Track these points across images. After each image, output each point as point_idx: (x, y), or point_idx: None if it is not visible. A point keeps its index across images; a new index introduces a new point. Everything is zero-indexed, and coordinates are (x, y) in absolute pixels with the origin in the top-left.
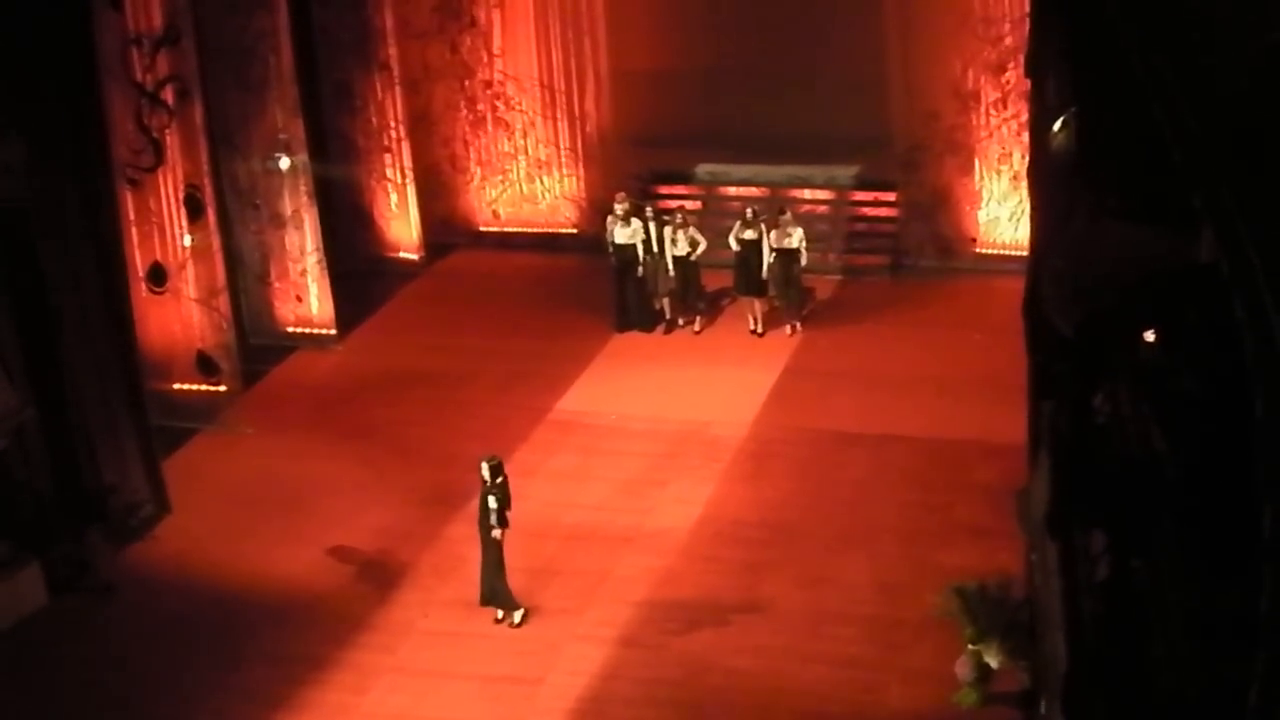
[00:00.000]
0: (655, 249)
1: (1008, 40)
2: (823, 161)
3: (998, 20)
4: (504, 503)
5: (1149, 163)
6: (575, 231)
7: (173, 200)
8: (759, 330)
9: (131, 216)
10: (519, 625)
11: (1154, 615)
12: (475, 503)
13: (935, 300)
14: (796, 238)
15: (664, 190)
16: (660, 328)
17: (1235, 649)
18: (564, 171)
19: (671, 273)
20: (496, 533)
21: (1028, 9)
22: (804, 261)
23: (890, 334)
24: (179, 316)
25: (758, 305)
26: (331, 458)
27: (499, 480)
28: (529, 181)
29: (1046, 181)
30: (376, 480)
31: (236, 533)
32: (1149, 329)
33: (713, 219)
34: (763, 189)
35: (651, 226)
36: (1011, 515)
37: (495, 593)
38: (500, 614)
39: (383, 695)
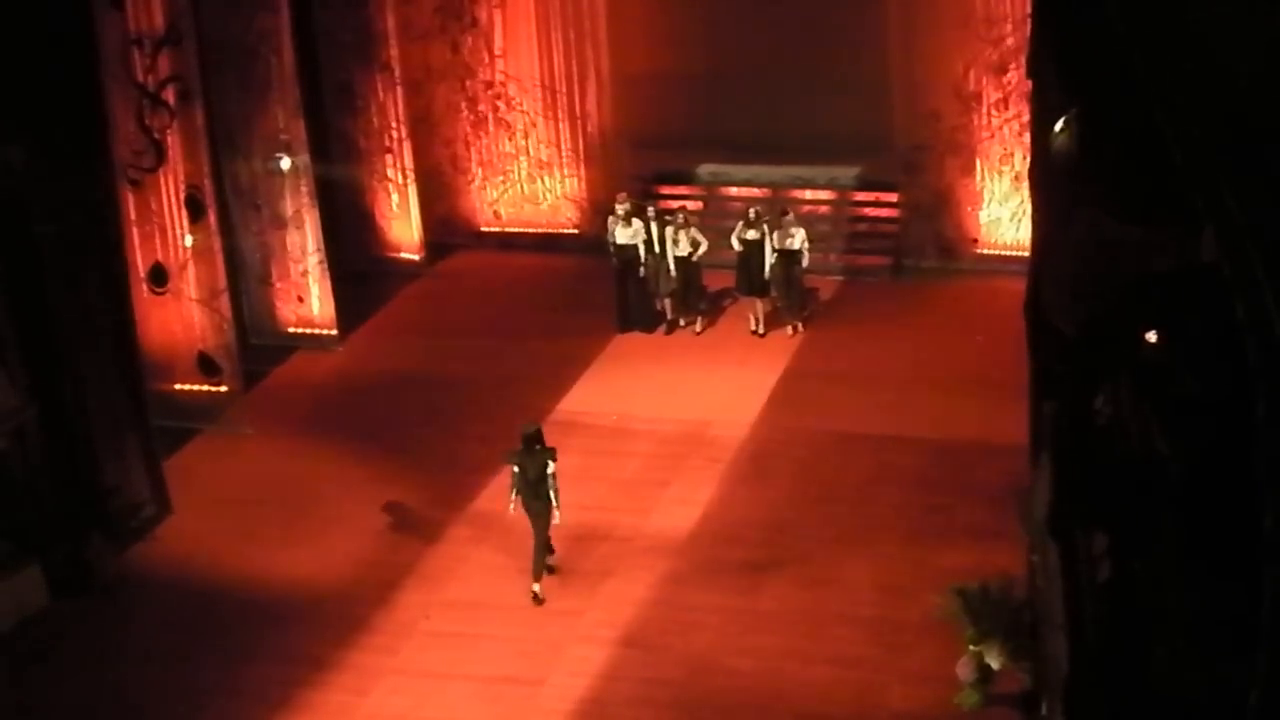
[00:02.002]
0: (657, 249)
1: (1009, 41)
2: (824, 162)
3: (1000, 21)
4: (528, 470)
5: (1150, 164)
6: (576, 232)
7: (174, 201)
8: (760, 331)
9: (133, 217)
10: (536, 600)
11: (1155, 616)
12: (475, 504)
13: (936, 301)
14: (799, 238)
15: (665, 190)
16: (661, 328)
17: (1236, 649)
18: (565, 172)
19: (673, 273)
20: (511, 506)
21: (1029, 9)
22: (806, 262)
23: (891, 335)
24: (180, 317)
25: (759, 306)
26: (332, 458)
27: (518, 450)
28: (530, 182)
29: (1048, 182)
30: (378, 481)
31: (237, 533)
32: (1150, 330)
33: (714, 219)
34: (764, 189)
35: (653, 227)
36: (1013, 516)
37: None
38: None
39: (384, 696)
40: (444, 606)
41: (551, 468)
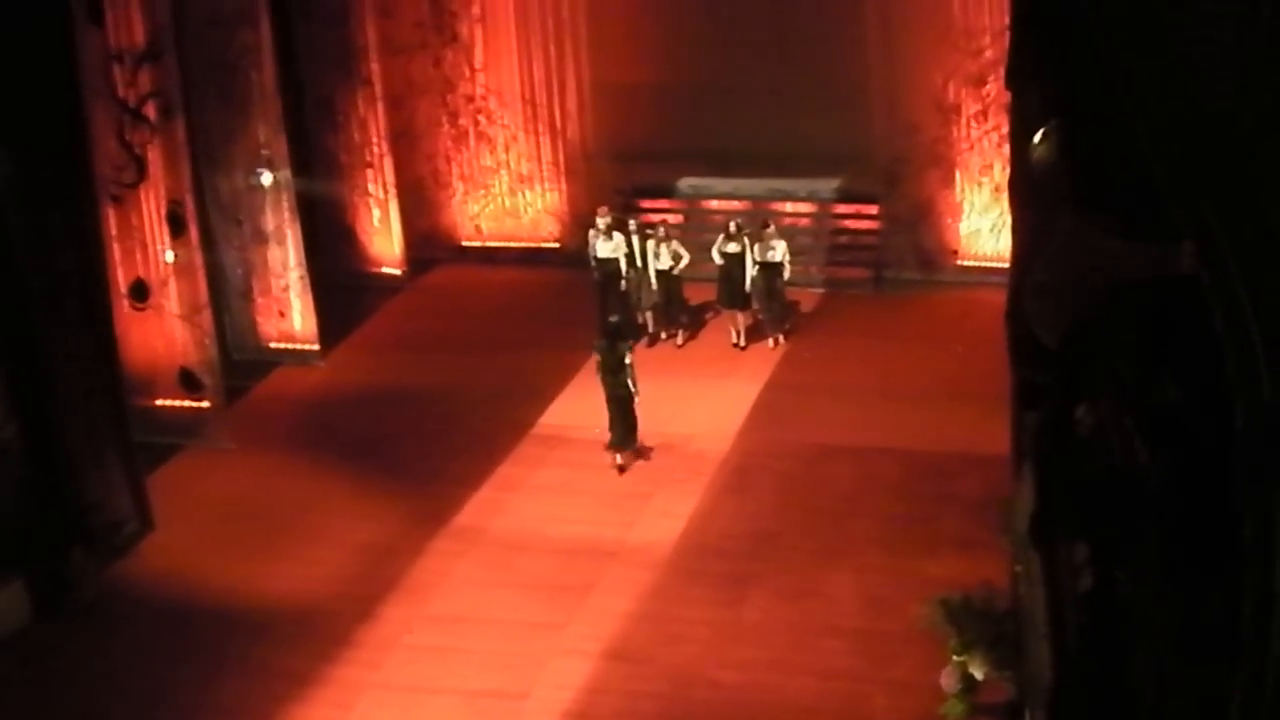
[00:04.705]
0: (638, 263)
1: (988, 53)
2: (804, 175)
3: (978, 33)
4: (608, 360)
5: (1130, 175)
6: (558, 246)
7: (155, 216)
8: (741, 343)
9: (114, 233)
10: (619, 470)
11: (1137, 625)
12: (458, 518)
13: (917, 312)
14: (780, 251)
15: (646, 204)
16: (643, 341)
17: (1218, 659)
18: (546, 186)
19: (654, 286)
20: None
21: (1008, 22)
22: (787, 275)
23: (872, 346)
24: (161, 333)
25: (740, 319)
26: (315, 473)
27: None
28: (511, 196)
29: (1027, 194)
30: (360, 495)
31: (220, 549)
32: (1131, 340)
33: (695, 233)
34: (744, 202)
35: (634, 240)
36: (995, 526)
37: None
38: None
39: (367, 711)
40: (427, 621)
41: (629, 358)
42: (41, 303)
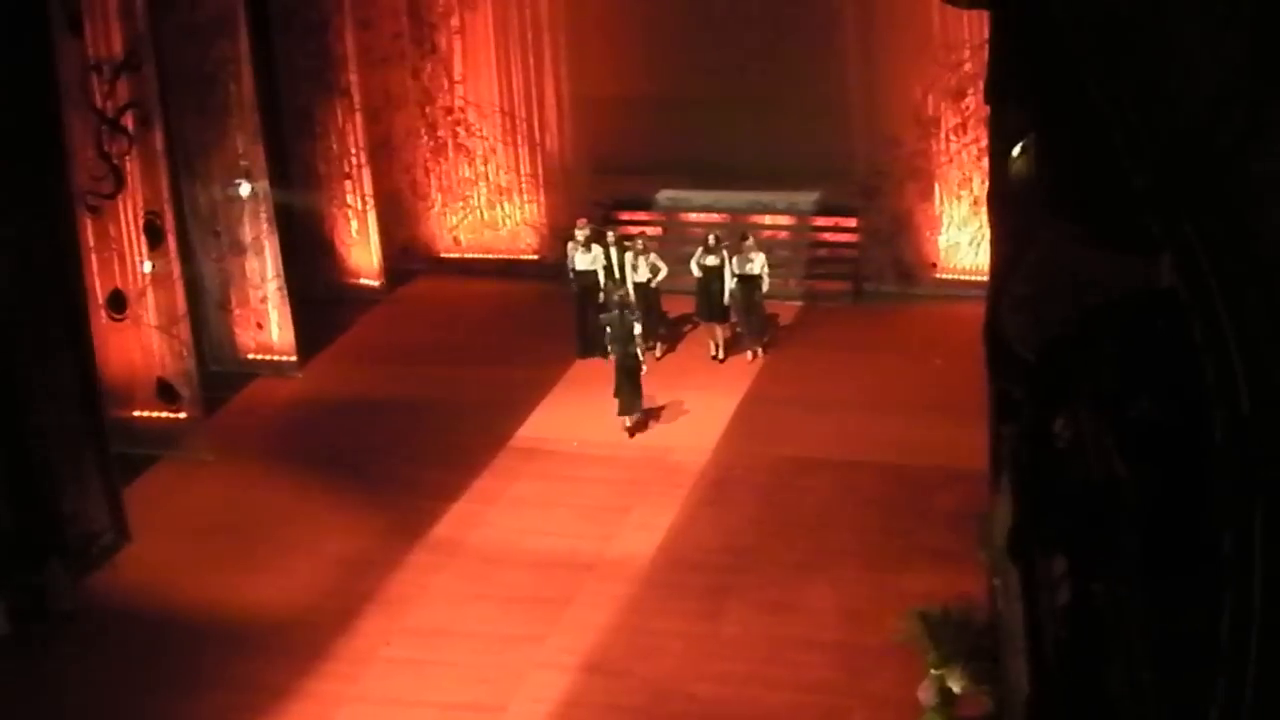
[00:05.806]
0: (616, 275)
1: (967, 66)
2: (784, 187)
3: (957, 46)
4: (616, 329)
5: (1109, 189)
6: (536, 258)
7: (133, 227)
8: (720, 356)
9: (91, 243)
10: (629, 430)
11: (1115, 639)
12: (436, 530)
13: (896, 326)
14: (759, 264)
15: (625, 216)
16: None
17: (1196, 672)
18: (525, 198)
19: (633, 299)
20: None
21: (987, 35)
22: (766, 287)
23: (851, 359)
24: (139, 344)
25: (719, 331)
26: (292, 485)
27: (611, 313)
28: (490, 208)
29: (1006, 207)
30: (337, 507)
31: (197, 561)
32: (1109, 353)
33: (674, 245)
34: (723, 215)
35: (613, 253)
36: (974, 539)
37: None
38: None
39: None
40: (404, 633)
41: (638, 329)
42: (18, 313)
